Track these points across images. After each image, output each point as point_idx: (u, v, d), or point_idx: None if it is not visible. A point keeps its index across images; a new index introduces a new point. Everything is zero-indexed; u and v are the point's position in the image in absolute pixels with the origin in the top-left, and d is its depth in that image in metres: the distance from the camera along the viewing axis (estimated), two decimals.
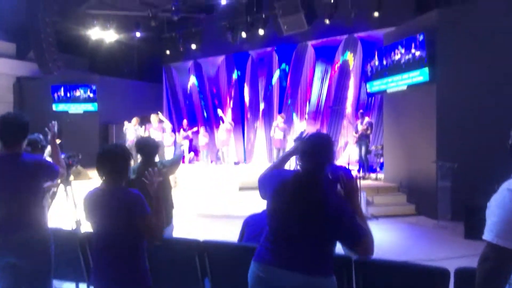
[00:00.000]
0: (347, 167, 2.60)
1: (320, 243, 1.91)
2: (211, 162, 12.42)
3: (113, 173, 2.22)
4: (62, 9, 12.00)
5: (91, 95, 13.28)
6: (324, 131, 11.09)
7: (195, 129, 13.19)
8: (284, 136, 9.86)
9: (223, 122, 11.69)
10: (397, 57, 7.60)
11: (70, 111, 13.28)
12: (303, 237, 1.89)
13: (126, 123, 10.93)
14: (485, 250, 1.37)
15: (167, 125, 11.16)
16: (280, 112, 12.09)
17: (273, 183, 2.05)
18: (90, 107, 13.28)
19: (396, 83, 7.75)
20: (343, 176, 1.99)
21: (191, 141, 13.28)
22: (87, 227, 3.57)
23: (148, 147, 3.54)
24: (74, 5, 11.97)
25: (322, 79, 11.48)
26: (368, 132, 9.24)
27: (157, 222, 2.20)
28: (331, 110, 11.18)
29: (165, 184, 3.49)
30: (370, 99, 10.46)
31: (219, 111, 11.10)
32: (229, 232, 5.31)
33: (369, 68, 8.70)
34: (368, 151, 9.30)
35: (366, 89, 9.18)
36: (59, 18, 12.15)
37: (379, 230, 5.94)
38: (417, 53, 7.05)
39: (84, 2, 11.69)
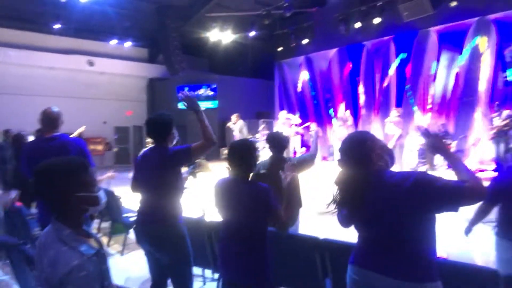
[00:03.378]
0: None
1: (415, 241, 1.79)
2: (322, 158, 12.26)
3: (242, 165, 2.32)
4: (185, 14, 13.10)
5: (211, 93, 14.29)
6: (452, 125, 10.02)
7: (306, 124, 13.14)
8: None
9: (336, 117, 11.45)
10: None
11: None
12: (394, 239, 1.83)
13: (233, 117, 11.49)
14: None
15: (295, 120, 11.39)
16: (398, 105, 11.30)
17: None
18: (211, 104, 14.29)
19: None
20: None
21: (302, 136, 13.27)
22: (211, 216, 3.81)
23: (278, 142, 3.50)
24: (195, 10, 12.95)
25: (449, 68, 10.35)
26: (507, 128, 8.03)
27: (286, 215, 2.28)
28: (460, 102, 10.01)
29: (294, 181, 3.34)
30: (508, 89, 9.07)
31: (331, 111, 10.87)
32: (345, 232, 5.10)
33: (508, 54, 7.57)
34: (508, 149, 8.09)
35: (504, 78, 7.98)
36: (182, 23, 13.29)
37: None
38: None
39: (204, 6, 12.53)
